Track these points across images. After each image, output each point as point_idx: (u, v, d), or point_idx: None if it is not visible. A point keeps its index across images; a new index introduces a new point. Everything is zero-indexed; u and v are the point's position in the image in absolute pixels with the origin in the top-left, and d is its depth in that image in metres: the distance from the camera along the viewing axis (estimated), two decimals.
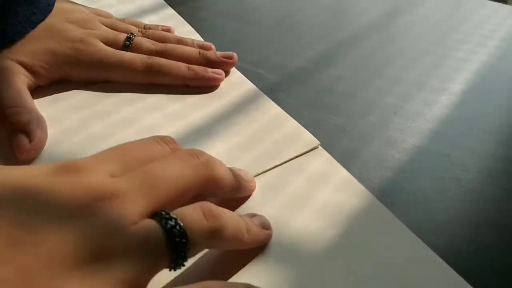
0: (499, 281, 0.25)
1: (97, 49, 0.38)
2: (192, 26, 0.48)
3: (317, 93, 0.40)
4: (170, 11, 0.51)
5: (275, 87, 0.40)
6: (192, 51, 0.40)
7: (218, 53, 0.41)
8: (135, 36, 0.40)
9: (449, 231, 0.28)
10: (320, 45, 0.47)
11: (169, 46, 0.40)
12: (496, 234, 0.28)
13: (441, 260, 0.26)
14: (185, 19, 0.50)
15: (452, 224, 0.28)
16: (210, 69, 0.39)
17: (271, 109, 0.36)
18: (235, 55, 0.41)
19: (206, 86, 0.39)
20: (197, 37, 0.46)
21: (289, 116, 0.36)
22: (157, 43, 0.40)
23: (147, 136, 0.30)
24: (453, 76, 0.42)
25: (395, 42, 0.47)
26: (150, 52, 0.39)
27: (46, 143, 0.32)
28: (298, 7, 0.54)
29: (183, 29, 0.47)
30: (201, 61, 0.40)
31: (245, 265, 0.25)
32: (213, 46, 0.42)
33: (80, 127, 0.34)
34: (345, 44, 0.47)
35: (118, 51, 0.38)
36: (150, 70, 0.38)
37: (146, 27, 0.43)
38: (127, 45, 0.39)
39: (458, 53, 0.46)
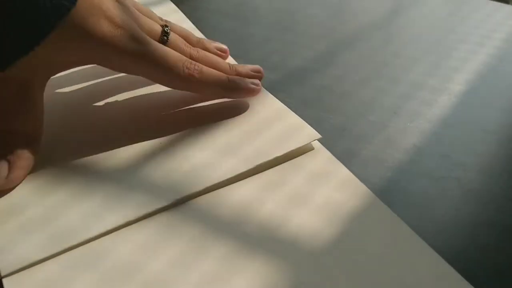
0: (498, 281, 0.25)
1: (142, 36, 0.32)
2: None
3: (317, 93, 0.40)
4: (171, 5, 0.51)
5: (275, 86, 0.40)
6: (224, 63, 0.37)
7: (245, 66, 0.38)
8: (169, 29, 0.35)
9: (449, 231, 0.28)
10: (320, 45, 0.47)
11: (202, 53, 0.36)
12: (495, 234, 0.28)
13: (441, 259, 0.26)
14: None
15: (451, 224, 0.28)
16: (248, 80, 0.36)
17: (273, 104, 0.36)
18: (261, 69, 0.38)
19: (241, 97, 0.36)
20: (197, 33, 0.46)
21: (291, 111, 0.35)
22: (188, 45, 0.36)
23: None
24: (453, 76, 0.42)
25: (395, 42, 0.47)
26: (185, 55, 0.34)
27: (45, 132, 0.31)
28: (298, 7, 0.54)
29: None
30: (231, 74, 0.36)
31: (245, 261, 0.25)
32: (228, 50, 0.40)
33: (79, 121, 0.34)
34: (345, 44, 0.47)
35: (162, 46, 0.33)
36: (192, 77, 0.33)
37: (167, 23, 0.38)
38: (165, 40, 0.34)
39: (458, 53, 0.46)
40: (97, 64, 0.33)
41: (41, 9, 0.27)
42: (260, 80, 0.37)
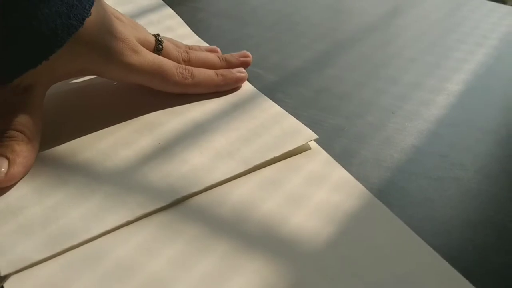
0: (497, 280, 0.25)
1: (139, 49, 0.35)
2: (191, 27, 0.48)
3: (315, 93, 0.40)
4: (169, 11, 0.51)
5: (274, 87, 0.40)
6: (214, 57, 0.40)
7: (234, 54, 0.41)
8: (161, 38, 0.38)
9: (447, 231, 0.28)
10: (319, 45, 0.47)
11: (192, 54, 0.39)
12: (494, 233, 0.28)
13: (440, 258, 0.26)
14: (183, 19, 0.50)
15: (450, 223, 0.29)
16: (234, 70, 0.39)
17: (271, 107, 0.36)
18: (248, 53, 0.41)
19: (232, 88, 0.39)
20: (195, 38, 0.46)
21: (288, 114, 0.36)
22: (180, 49, 0.39)
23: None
24: (451, 76, 0.42)
25: (394, 42, 0.48)
26: (178, 61, 0.38)
27: (45, 133, 0.32)
28: (297, 7, 0.54)
29: (182, 31, 0.47)
30: (222, 66, 0.39)
31: (244, 260, 0.25)
32: (219, 50, 0.42)
33: (76, 124, 0.34)
34: (344, 44, 0.47)
35: (157, 56, 0.36)
36: (185, 81, 0.37)
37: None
38: (159, 48, 0.37)
39: (456, 53, 0.46)
40: (98, 75, 0.35)
41: (51, 27, 0.29)
42: (249, 63, 0.41)
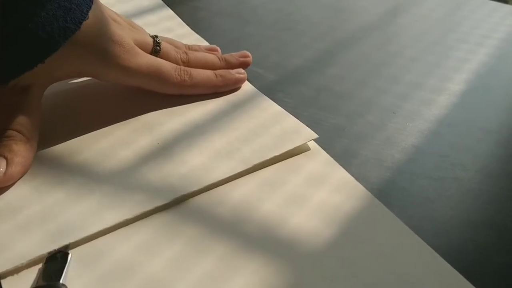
0: (498, 280, 0.25)
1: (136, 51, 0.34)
2: (191, 26, 0.48)
3: (316, 93, 0.40)
4: (168, 12, 0.51)
5: (274, 86, 0.40)
6: (213, 57, 0.39)
7: (234, 54, 0.40)
8: (159, 39, 0.38)
9: (448, 231, 0.28)
10: (319, 45, 0.47)
11: (191, 55, 0.39)
12: (495, 233, 0.28)
13: (440, 258, 0.26)
14: (183, 19, 0.49)
15: (451, 223, 0.28)
16: (233, 71, 0.39)
17: (270, 107, 0.36)
18: (248, 53, 0.41)
19: (232, 89, 0.38)
20: (194, 37, 0.46)
21: (288, 113, 0.36)
22: (179, 50, 0.39)
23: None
24: (452, 76, 0.42)
25: (394, 42, 0.47)
26: (177, 62, 0.37)
27: (43, 133, 0.32)
28: (297, 6, 0.54)
29: (181, 30, 0.47)
30: (222, 67, 0.39)
31: (244, 261, 0.25)
32: (219, 49, 0.42)
33: (75, 124, 0.34)
34: (344, 44, 0.47)
35: (155, 58, 0.36)
36: (184, 83, 0.36)
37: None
38: (157, 50, 0.37)
39: (457, 53, 0.46)
40: (96, 78, 0.35)
41: (47, 31, 0.29)
42: (249, 63, 0.40)
